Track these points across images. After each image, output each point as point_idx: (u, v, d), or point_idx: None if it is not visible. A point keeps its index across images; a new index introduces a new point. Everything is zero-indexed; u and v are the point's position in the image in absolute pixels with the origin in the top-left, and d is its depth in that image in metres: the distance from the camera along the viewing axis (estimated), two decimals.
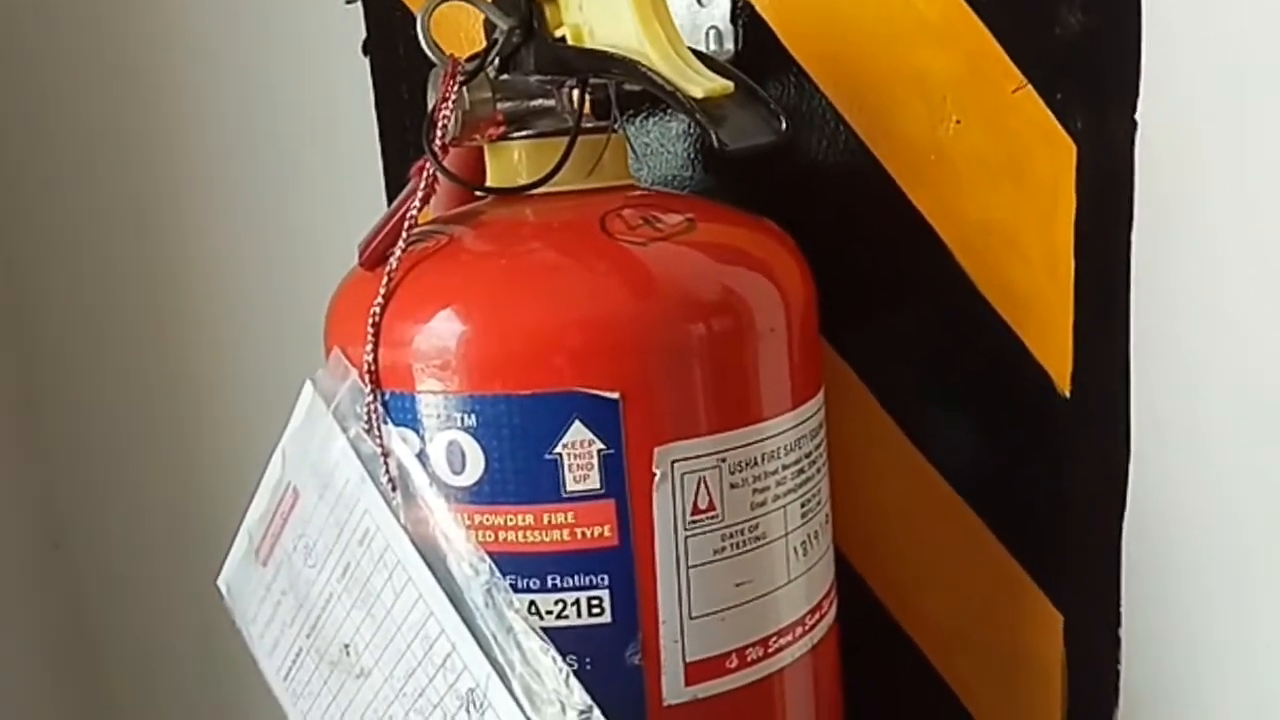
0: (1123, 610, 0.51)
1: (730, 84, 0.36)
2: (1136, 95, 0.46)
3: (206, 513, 0.70)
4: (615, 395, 0.36)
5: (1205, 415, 0.48)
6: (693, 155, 0.55)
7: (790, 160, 0.53)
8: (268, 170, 0.66)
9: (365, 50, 0.62)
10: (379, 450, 0.39)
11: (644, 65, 0.36)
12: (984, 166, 0.49)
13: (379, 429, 0.39)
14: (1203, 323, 0.47)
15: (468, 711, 0.38)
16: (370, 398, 0.39)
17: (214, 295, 0.70)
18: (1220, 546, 0.49)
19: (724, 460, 0.39)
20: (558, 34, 0.41)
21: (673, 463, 0.38)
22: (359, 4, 0.62)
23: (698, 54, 0.38)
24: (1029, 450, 0.52)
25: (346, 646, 0.43)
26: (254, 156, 0.66)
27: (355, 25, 0.61)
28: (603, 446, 0.37)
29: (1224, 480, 0.48)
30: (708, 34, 0.52)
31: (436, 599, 0.38)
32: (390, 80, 0.61)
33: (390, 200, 0.62)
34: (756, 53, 0.52)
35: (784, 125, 0.38)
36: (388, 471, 0.39)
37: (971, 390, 0.52)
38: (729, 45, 0.52)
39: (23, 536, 0.74)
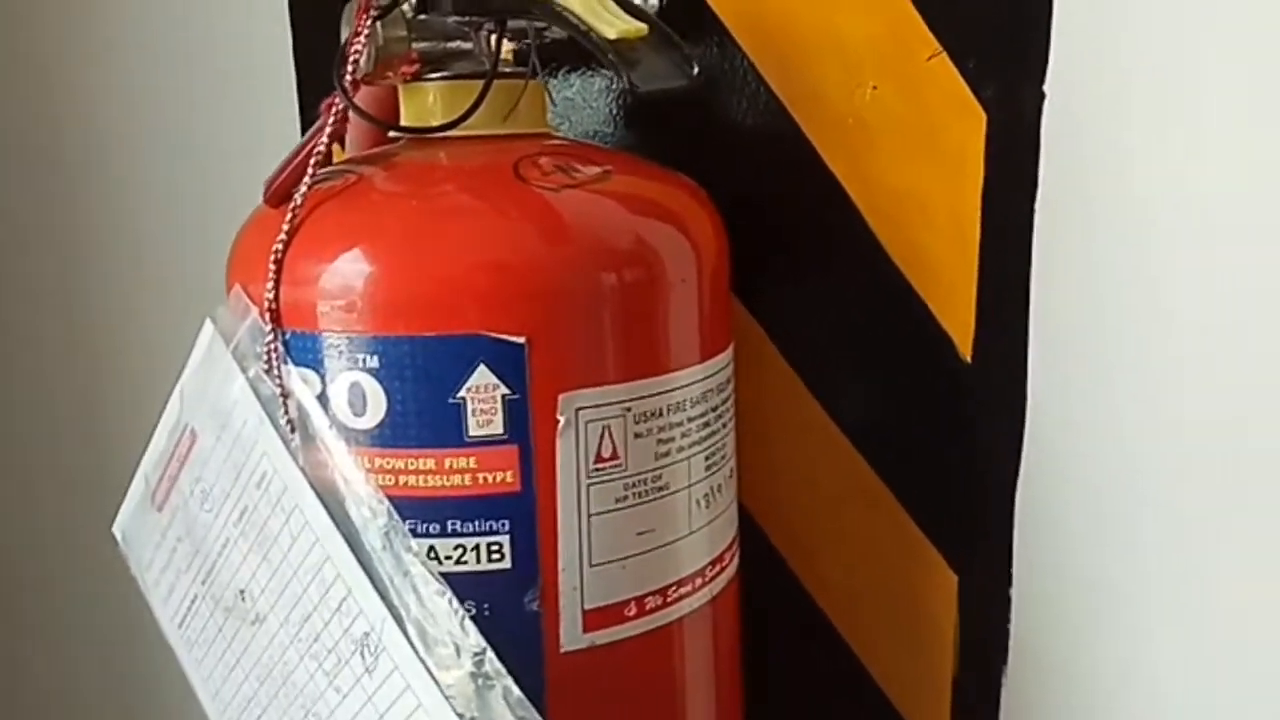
0: (1014, 571, 0.53)
1: (644, 27, 0.36)
2: (1046, 66, 0.47)
3: (108, 459, 0.69)
4: (521, 340, 0.36)
5: (1101, 383, 0.49)
6: (615, 111, 0.54)
7: (711, 119, 0.53)
8: (180, 98, 0.64)
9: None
10: (278, 391, 0.39)
11: (560, 6, 0.36)
12: (899, 133, 0.50)
13: (279, 369, 0.38)
14: (1101, 293, 0.48)
15: (362, 655, 0.38)
16: (270, 337, 0.38)
17: (120, 228, 0.67)
18: (1112, 512, 0.51)
19: (629, 410, 0.39)
20: None
21: (577, 410, 0.38)
22: None
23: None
24: (931, 413, 0.53)
25: (242, 592, 0.42)
26: (167, 84, 0.64)
27: None
28: (507, 391, 0.37)
29: (1117, 447, 0.50)
30: None
31: (333, 542, 0.38)
32: (307, 8, 0.60)
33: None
34: (681, 10, 0.52)
35: (696, 71, 0.38)
36: (287, 413, 0.39)
37: (877, 353, 0.53)
38: (653, 1, 0.52)
39: None
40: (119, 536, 0.49)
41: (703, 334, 0.43)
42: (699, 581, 0.43)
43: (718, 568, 0.45)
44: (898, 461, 0.54)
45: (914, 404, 0.53)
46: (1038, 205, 0.49)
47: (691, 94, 0.52)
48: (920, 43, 0.49)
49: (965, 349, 0.51)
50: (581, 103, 0.55)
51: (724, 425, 0.44)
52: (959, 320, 0.51)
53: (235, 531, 0.42)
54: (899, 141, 0.50)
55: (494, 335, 0.36)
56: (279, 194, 0.39)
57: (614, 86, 0.54)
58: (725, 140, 0.53)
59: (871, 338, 0.53)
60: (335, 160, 0.42)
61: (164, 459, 0.45)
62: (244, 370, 0.40)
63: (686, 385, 0.41)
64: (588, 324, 0.38)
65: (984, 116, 0.48)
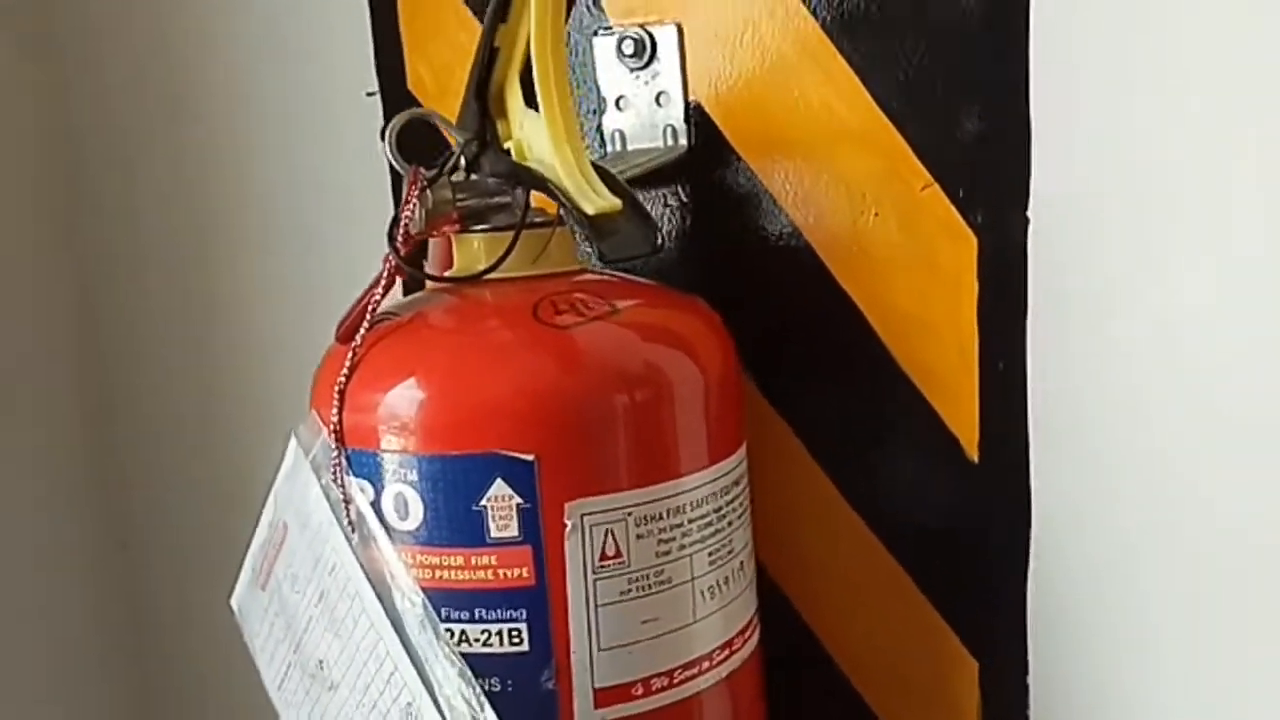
0: (1030, 660, 0.56)
1: (618, 203, 0.43)
2: (1028, 194, 0.51)
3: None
4: (530, 457, 0.43)
5: (1102, 478, 0.53)
6: (663, 236, 0.61)
7: (739, 243, 0.59)
8: (299, 244, 0.75)
9: (383, 137, 0.70)
10: (342, 497, 0.47)
11: (553, 183, 0.43)
12: (899, 256, 0.55)
13: (342, 480, 0.47)
14: (1096, 394, 0.52)
15: (406, 718, 0.45)
16: (335, 454, 0.46)
17: (257, 327, 0.78)
18: (1117, 601, 0.53)
19: (630, 514, 0.45)
20: (506, 145, 0.48)
21: (582, 515, 0.44)
22: (377, 97, 0.70)
23: (602, 173, 0.45)
24: (945, 509, 0.57)
25: (321, 662, 0.50)
26: (288, 232, 0.75)
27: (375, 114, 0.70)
28: (520, 501, 0.44)
29: (1116, 538, 0.53)
30: (665, 130, 0.59)
31: (383, 625, 0.45)
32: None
33: None
34: (706, 147, 0.59)
35: (660, 241, 0.44)
36: (349, 515, 0.47)
37: (894, 453, 0.58)
38: (683, 141, 0.59)
39: (90, 536, 0.82)
40: (235, 609, 0.57)
41: (710, 442, 0.49)
42: (706, 665, 0.48)
43: (728, 651, 0.50)
44: (917, 552, 0.58)
45: (929, 499, 0.57)
46: (1029, 320, 0.53)
47: (723, 223, 0.60)
48: (914, 175, 0.54)
49: (972, 450, 0.55)
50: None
51: (730, 523, 0.50)
52: (965, 424, 0.55)
53: (315, 611, 0.50)
54: (900, 263, 0.55)
55: (507, 454, 0.43)
56: (346, 334, 0.48)
57: (664, 217, 0.62)
58: (752, 262, 0.59)
59: (888, 439, 0.58)
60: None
61: (264, 547, 0.54)
62: (319, 478, 0.48)
63: (689, 490, 0.47)
64: (591, 441, 0.45)
65: (974, 240, 0.53)
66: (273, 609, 0.54)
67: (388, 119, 0.70)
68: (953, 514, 0.57)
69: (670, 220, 0.61)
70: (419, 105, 0.69)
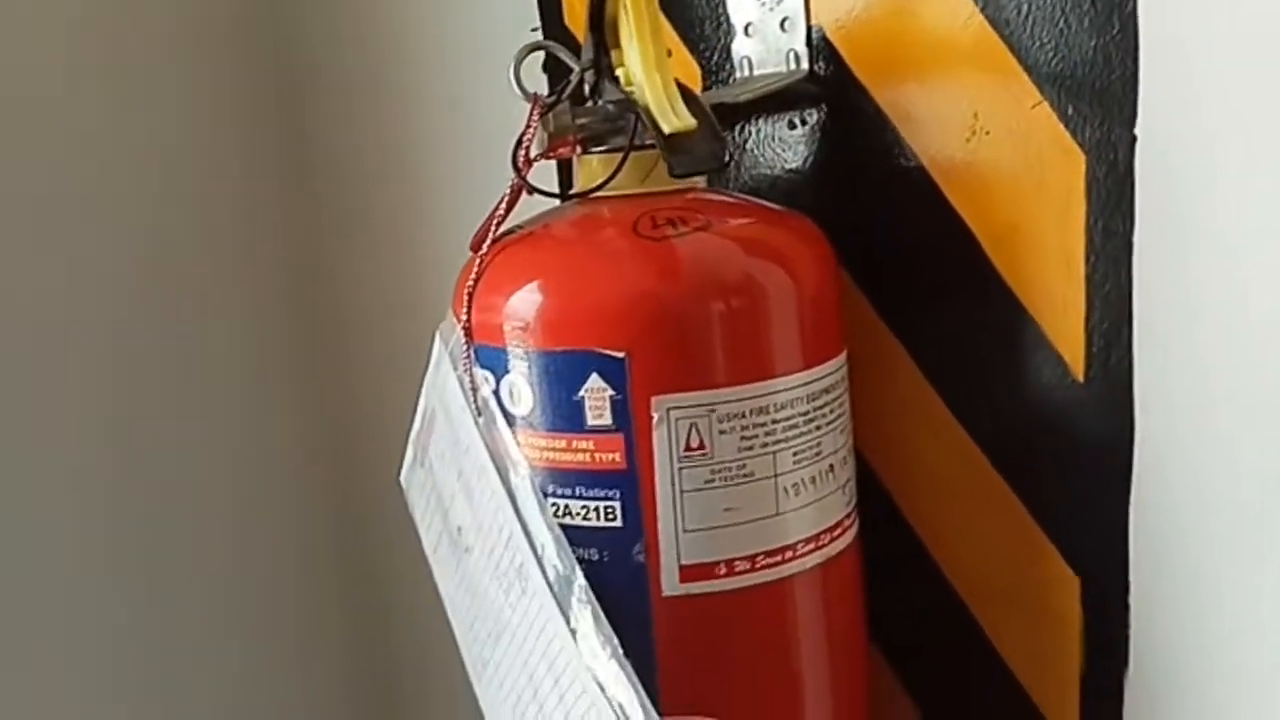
0: (1131, 576, 0.57)
1: (694, 122, 0.47)
2: (1135, 112, 0.51)
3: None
4: (622, 355, 0.49)
5: (1206, 398, 0.52)
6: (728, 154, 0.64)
7: (855, 165, 0.62)
8: (472, 175, 0.82)
9: (545, 69, 0.76)
10: (470, 386, 0.54)
11: (640, 105, 0.48)
12: (1008, 173, 0.56)
13: (471, 371, 0.54)
14: (1202, 313, 0.51)
15: (518, 577, 0.52)
16: (465, 348, 0.54)
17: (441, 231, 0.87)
18: (1218, 515, 0.53)
19: (714, 410, 0.50)
20: (618, 73, 0.53)
21: (668, 409, 0.49)
22: (539, 30, 0.76)
23: (687, 96, 0.49)
24: (1048, 427, 0.58)
25: (459, 529, 0.58)
26: (455, 161, 0.83)
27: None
28: (614, 393, 0.49)
29: (1218, 452, 0.53)
30: (789, 56, 0.62)
31: (502, 497, 0.53)
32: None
33: None
34: (827, 71, 0.61)
35: (728, 157, 0.48)
36: (476, 401, 0.54)
37: (1000, 370, 0.59)
38: (804, 65, 0.62)
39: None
40: (403, 485, 0.67)
41: (800, 350, 0.52)
42: (790, 554, 0.53)
43: (814, 545, 0.54)
44: (1020, 467, 0.59)
45: (1034, 416, 0.58)
46: (1136, 237, 0.52)
47: (841, 145, 0.62)
48: (1024, 93, 0.54)
49: (1077, 369, 0.56)
50: (752, 148, 0.66)
51: (819, 426, 0.53)
52: (1070, 343, 0.56)
53: (457, 486, 0.58)
54: (1009, 181, 0.56)
55: (602, 351, 0.49)
56: (475, 244, 0.54)
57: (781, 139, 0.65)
58: (868, 184, 0.61)
59: (995, 355, 0.59)
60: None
61: (420, 431, 0.62)
62: (455, 370, 0.56)
63: (774, 393, 0.51)
64: (679, 341, 0.49)
65: (1083, 158, 0.53)
66: (428, 485, 0.63)
67: (547, 50, 0.76)
68: (1056, 431, 0.57)
69: (794, 142, 0.64)
70: (574, 38, 0.74)
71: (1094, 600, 0.58)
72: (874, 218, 0.61)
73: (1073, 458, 0.57)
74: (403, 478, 0.66)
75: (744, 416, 0.51)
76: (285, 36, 0.89)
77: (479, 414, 0.54)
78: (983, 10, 0.55)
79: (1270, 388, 0.50)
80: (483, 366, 0.53)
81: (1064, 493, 0.58)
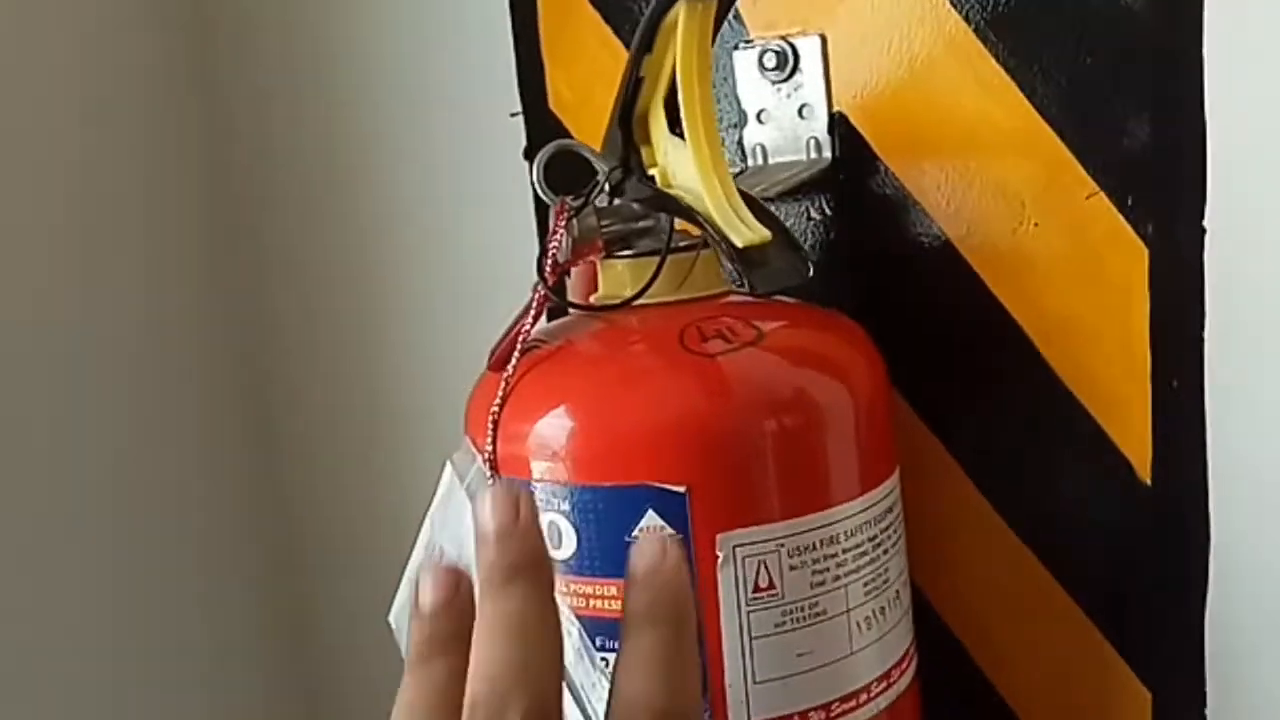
0: (1208, 690, 0.53)
1: (768, 234, 0.42)
2: (1204, 204, 0.48)
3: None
4: (682, 489, 0.43)
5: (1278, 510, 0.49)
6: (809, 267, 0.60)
7: (888, 256, 0.58)
8: (446, 259, 0.77)
9: (526, 156, 0.71)
10: None
11: (701, 214, 0.43)
12: (1061, 266, 0.52)
13: None
14: (1275, 423, 0.48)
15: None
16: (490, 482, 0.47)
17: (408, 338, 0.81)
18: None
19: (783, 545, 0.44)
20: (650, 172, 0.48)
21: (734, 547, 0.44)
22: (520, 116, 0.71)
23: (749, 200, 0.44)
24: (1115, 534, 0.54)
25: None
26: (436, 246, 0.77)
27: (518, 135, 0.71)
28: (672, 532, 0.43)
29: None
30: (809, 143, 0.58)
31: None
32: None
33: None
34: (852, 159, 0.57)
35: (809, 270, 0.43)
36: None
37: (1059, 475, 0.55)
38: (827, 153, 0.58)
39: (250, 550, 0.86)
40: (393, 625, 0.59)
41: (861, 469, 0.47)
42: (865, 697, 0.47)
43: (885, 683, 0.49)
44: (1083, 577, 0.56)
45: (1097, 523, 0.55)
46: (1207, 334, 0.49)
47: (870, 236, 0.58)
48: (1078, 183, 0.51)
49: (1144, 472, 0.52)
50: None
51: (885, 550, 0.49)
52: (1135, 443, 0.52)
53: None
54: (1062, 274, 0.53)
55: (659, 485, 0.43)
56: (498, 362, 0.48)
57: (805, 234, 0.60)
58: (901, 276, 0.57)
59: (1050, 459, 0.55)
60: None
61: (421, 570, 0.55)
62: (473, 503, 0.49)
63: (841, 520, 0.46)
64: (744, 471, 0.44)
65: (1145, 251, 0.50)
66: None
67: (530, 138, 0.71)
68: (1123, 538, 0.54)
69: (815, 233, 0.60)
70: (561, 124, 0.69)
71: (1167, 716, 0.54)
72: (913, 314, 0.57)
73: (1142, 566, 0.54)
74: (393, 618, 0.59)
75: (814, 549, 0.45)
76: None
77: None
78: (1025, 93, 0.52)
79: None
80: None
81: (1132, 603, 0.54)
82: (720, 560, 0.44)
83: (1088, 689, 0.56)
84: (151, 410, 0.80)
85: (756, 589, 0.44)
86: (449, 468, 0.51)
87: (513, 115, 0.71)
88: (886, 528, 0.49)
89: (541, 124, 0.70)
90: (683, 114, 0.43)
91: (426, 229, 0.77)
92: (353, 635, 0.87)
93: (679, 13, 0.41)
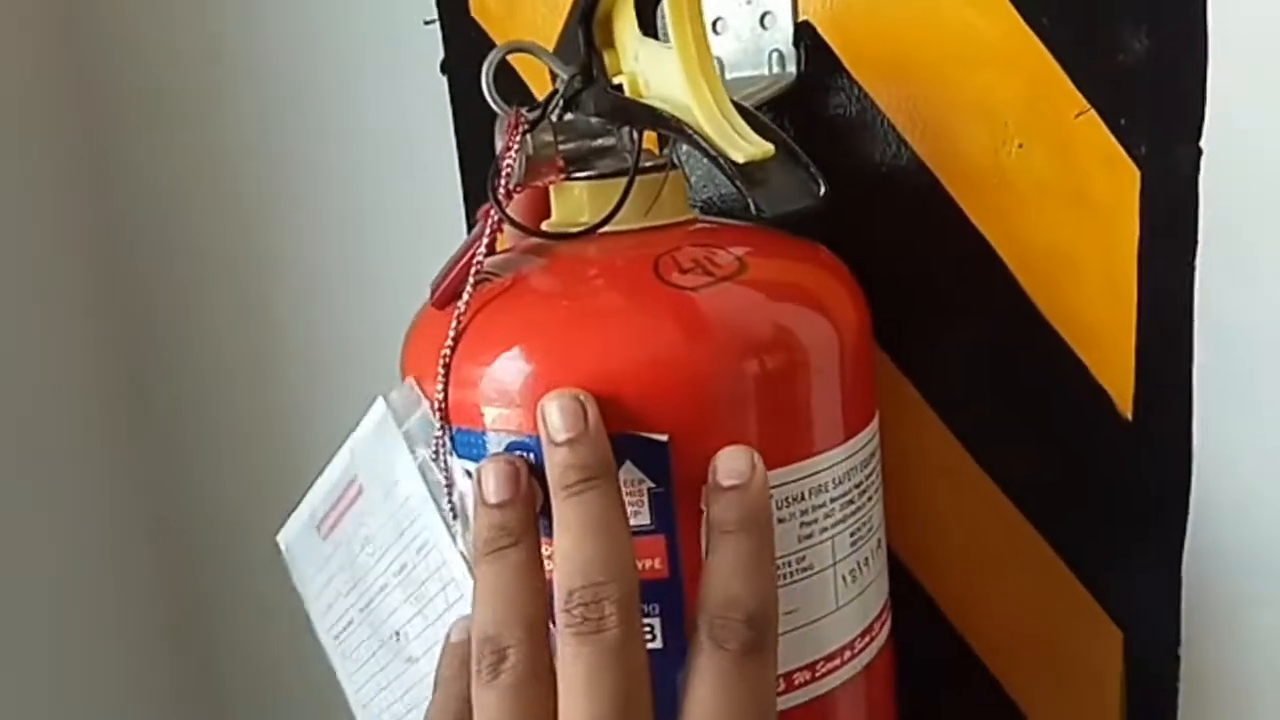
0: (1183, 629, 0.52)
1: (771, 148, 0.37)
2: (1202, 123, 0.45)
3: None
4: (664, 438, 0.38)
5: (1270, 443, 0.47)
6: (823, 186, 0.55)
7: (853, 180, 0.53)
8: (348, 191, 0.69)
9: (443, 69, 0.64)
10: (444, 480, 0.42)
11: (689, 126, 0.38)
12: (1046, 190, 0.49)
13: (445, 461, 0.42)
14: (1268, 357, 0.46)
15: None
16: (439, 432, 0.42)
17: (300, 304, 0.74)
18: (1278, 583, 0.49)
19: (770, 496, 0.40)
20: (616, 80, 0.43)
21: None
22: (436, 24, 0.64)
23: (742, 110, 0.39)
24: (1090, 470, 0.52)
25: (398, 633, 0.47)
26: (334, 178, 0.70)
27: (435, 45, 0.64)
28: (652, 485, 0.39)
29: None
30: (770, 56, 0.53)
31: None
32: (468, 99, 0.63)
33: (469, 219, 0.65)
34: (819, 74, 0.53)
35: (822, 189, 0.39)
36: (450, 500, 0.42)
37: (1033, 409, 0.52)
38: (791, 67, 0.53)
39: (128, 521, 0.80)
40: (283, 546, 0.53)
41: (846, 414, 0.44)
42: (848, 654, 0.44)
43: (867, 638, 0.45)
44: (1057, 516, 0.53)
45: (1074, 461, 0.52)
46: (1198, 260, 0.47)
47: (839, 160, 0.54)
48: (1067, 101, 0.48)
49: (1125, 406, 0.50)
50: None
51: (869, 498, 0.45)
52: (1117, 377, 0.50)
53: (394, 580, 0.46)
54: (1047, 199, 0.49)
55: (638, 434, 0.38)
56: (444, 297, 0.43)
57: None
58: (869, 200, 0.53)
59: (1027, 394, 0.52)
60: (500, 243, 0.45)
61: (331, 498, 0.49)
62: (413, 451, 0.44)
63: (828, 468, 0.42)
64: (730, 417, 0.40)
65: (1137, 173, 0.47)
66: (335, 561, 0.50)
67: (448, 48, 0.64)
68: (1101, 476, 0.52)
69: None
70: (484, 33, 0.63)
71: (1139, 657, 0.53)
72: (881, 246, 0.53)
73: (1120, 505, 0.52)
74: (284, 537, 0.53)
75: (802, 499, 0.41)
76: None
77: (454, 515, 0.42)
78: (1013, 2, 0.48)
79: None
80: (461, 457, 0.42)
81: (1109, 543, 0.52)
82: (705, 514, 0.39)
83: (1058, 633, 0.54)
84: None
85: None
86: (382, 405, 0.46)
87: (427, 23, 0.64)
88: (870, 474, 0.46)
89: (461, 33, 0.63)
90: (668, 12, 0.37)
91: (323, 159, 0.70)
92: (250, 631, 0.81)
93: None
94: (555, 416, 0.36)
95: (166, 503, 0.82)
